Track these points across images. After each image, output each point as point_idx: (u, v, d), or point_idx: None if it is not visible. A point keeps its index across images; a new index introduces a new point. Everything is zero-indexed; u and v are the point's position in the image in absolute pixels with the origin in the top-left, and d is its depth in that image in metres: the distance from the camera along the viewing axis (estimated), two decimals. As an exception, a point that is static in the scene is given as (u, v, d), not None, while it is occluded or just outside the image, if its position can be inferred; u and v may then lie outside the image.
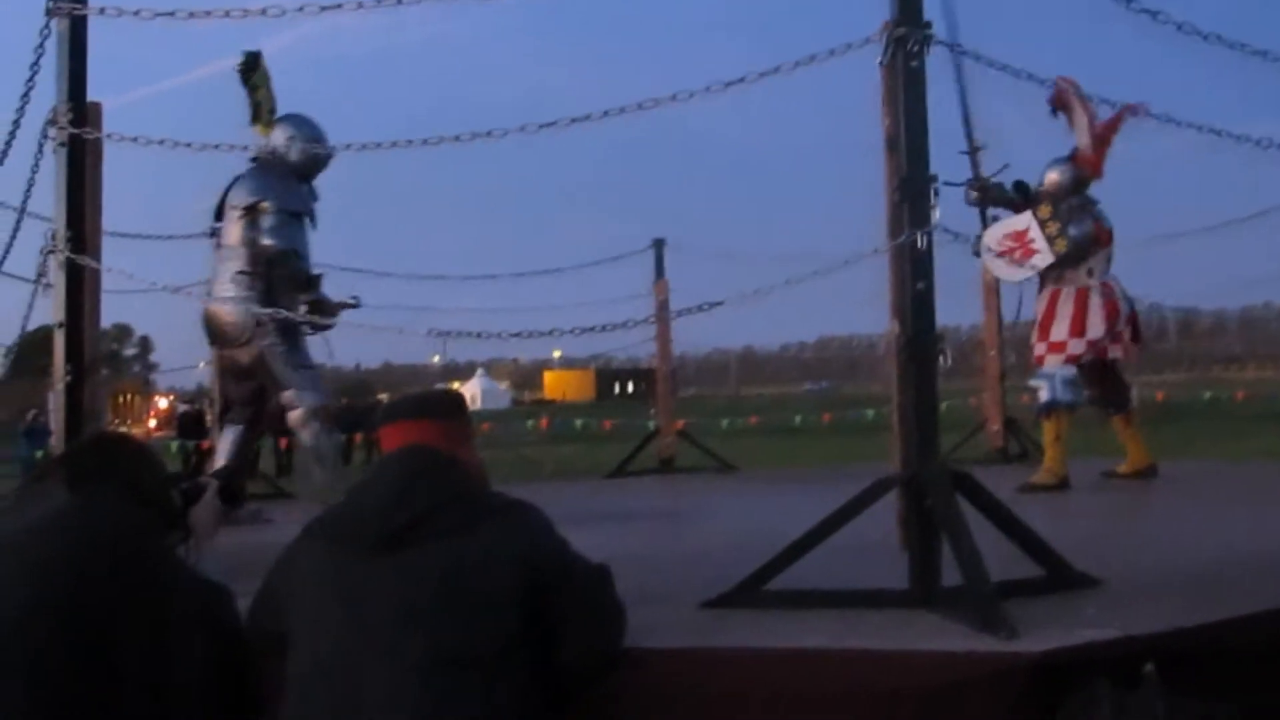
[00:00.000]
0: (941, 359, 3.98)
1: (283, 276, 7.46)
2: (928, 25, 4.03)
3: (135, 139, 4.85)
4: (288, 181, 7.52)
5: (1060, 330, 8.84)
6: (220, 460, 7.67)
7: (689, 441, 12.71)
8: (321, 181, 7.70)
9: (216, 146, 4.68)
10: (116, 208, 5.03)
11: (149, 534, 3.34)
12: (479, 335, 4.87)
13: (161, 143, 4.86)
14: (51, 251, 4.80)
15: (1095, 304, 8.76)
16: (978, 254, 8.95)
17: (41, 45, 4.83)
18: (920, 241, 3.98)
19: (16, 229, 5.24)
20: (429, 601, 3.00)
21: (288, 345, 7.36)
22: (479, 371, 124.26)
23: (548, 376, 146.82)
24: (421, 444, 3.35)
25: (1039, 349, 8.97)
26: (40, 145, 4.88)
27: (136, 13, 4.74)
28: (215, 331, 7.51)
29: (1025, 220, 8.54)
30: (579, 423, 28.83)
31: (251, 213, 7.35)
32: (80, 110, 4.81)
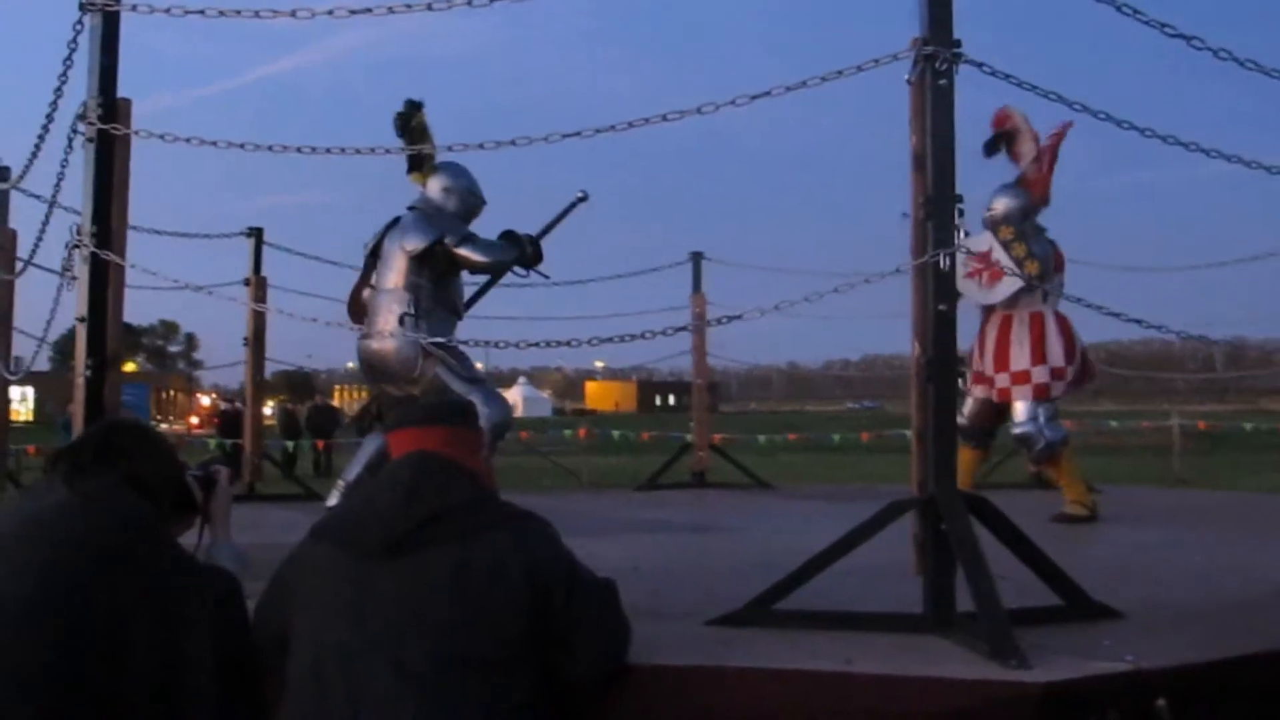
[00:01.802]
0: (962, 381, 3.92)
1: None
2: (957, 43, 3.97)
3: (163, 136, 4.85)
4: (454, 221, 7.86)
5: (1021, 359, 8.41)
6: (355, 467, 7.87)
7: (723, 457, 12.65)
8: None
9: (242, 146, 4.66)
10: (145, 203, 5.04)
11: (151, 526, 3.32)
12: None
13: (189, 140, 4.86)
14: (77, 246, 4.79)
15: (1053, 330, 8.38)
16: None
17: (75, 40, 4.84)
18: (943, 262, 3.93)
19: (46, 222, 5.26)
20: (434, 606, 2.99)
21: (458, 361, 7.61)
22: (521, 380, 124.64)
23: (590, 387, 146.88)
24: (429, 450, 3.32)
25: (1000, 380, 8.48)
26: (70, 140, 4.88)
27: (168, 10, 4.75)
28: (384, 372, 7.76)
29: (986, 241, 8.29)
30: (617, 434, 28.70)
31: (424, 257, 7.65)
32: (110, 106, 4.81)
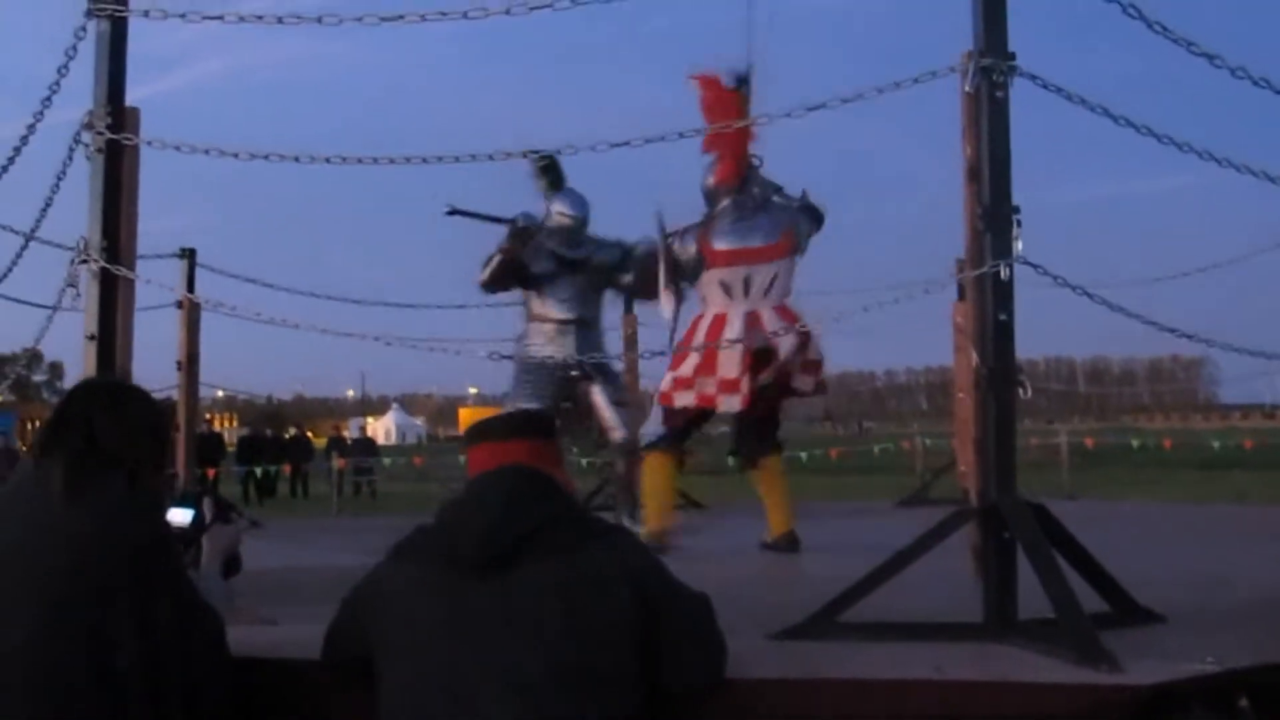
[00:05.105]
0: (1021, 391, 3.94)
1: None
2: (1012, 55, 4.00)
3: (178, 146, 4.69)
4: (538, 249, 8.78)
5: (686, 363, 7.43)
6: None
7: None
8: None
9: (267, 157, 4.51)
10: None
11: (159, 548, 3.17)
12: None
13: (207, 152, 4.68)
14: (84, 261, 4.61)
15: (733, 331, 7.24)
16: None
17: (74, 47, 4.67)
18: (1002, 273, 3.95)
19: (31, 236, 5.06)
20: (545, 620, 2.91)
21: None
22: (394, 406, 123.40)
23: (463, 413, 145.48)
24: (519, 463, 3.25)
25: (664, 382, 7.66)
26: (70, 151, 4.71)
27: (183, 15, 4.59)
28: None
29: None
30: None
31: None
32: (118, 114, 4.65)
